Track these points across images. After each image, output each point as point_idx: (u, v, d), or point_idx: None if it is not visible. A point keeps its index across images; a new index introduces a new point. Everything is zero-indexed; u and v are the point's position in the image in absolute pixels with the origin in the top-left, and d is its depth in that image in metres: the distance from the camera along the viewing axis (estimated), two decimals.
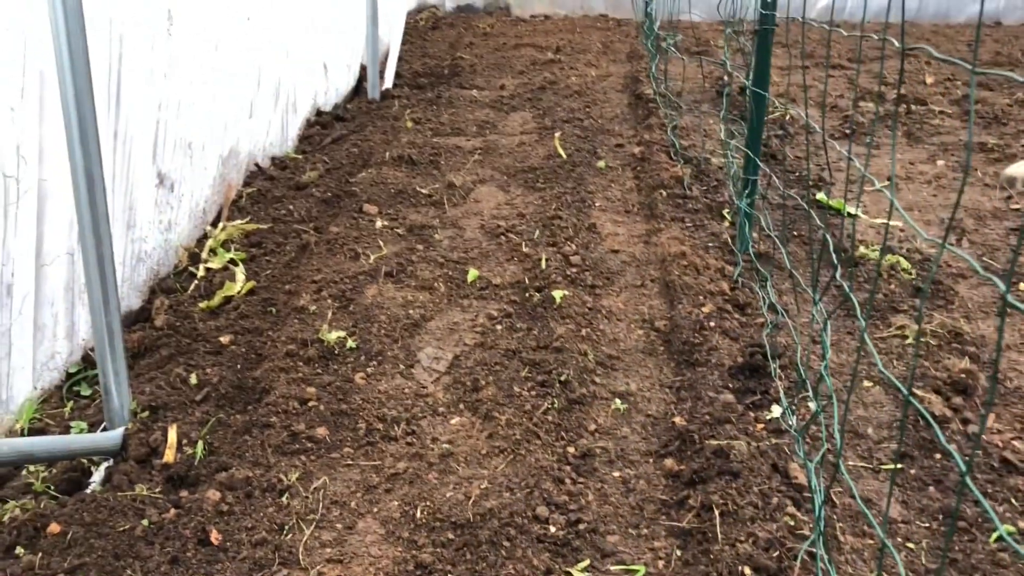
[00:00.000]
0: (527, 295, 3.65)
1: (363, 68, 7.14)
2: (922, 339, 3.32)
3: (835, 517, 2.44)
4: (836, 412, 2.16)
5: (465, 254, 4.06)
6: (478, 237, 4.26)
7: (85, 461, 2.62)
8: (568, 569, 2.26)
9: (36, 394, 2.91)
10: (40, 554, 2.20)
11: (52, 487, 2.52)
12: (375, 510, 2.48)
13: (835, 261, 2.08)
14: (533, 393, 2.99)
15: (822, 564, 2.08)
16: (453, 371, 3.15)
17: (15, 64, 2.65)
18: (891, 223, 4.39)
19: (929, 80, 7.22)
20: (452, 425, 2.86)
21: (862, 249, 4.06)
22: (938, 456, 2.71)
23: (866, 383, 3.09)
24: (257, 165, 4.91)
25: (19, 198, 2.71)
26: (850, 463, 2.68)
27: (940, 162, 5.36)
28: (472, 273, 3.82)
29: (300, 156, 5.31)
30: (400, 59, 7.73)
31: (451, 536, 2.36)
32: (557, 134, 5.73)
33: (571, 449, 2.73)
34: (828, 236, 2.27)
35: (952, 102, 6.61)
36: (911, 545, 2.36)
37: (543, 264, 3.90)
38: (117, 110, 3.25)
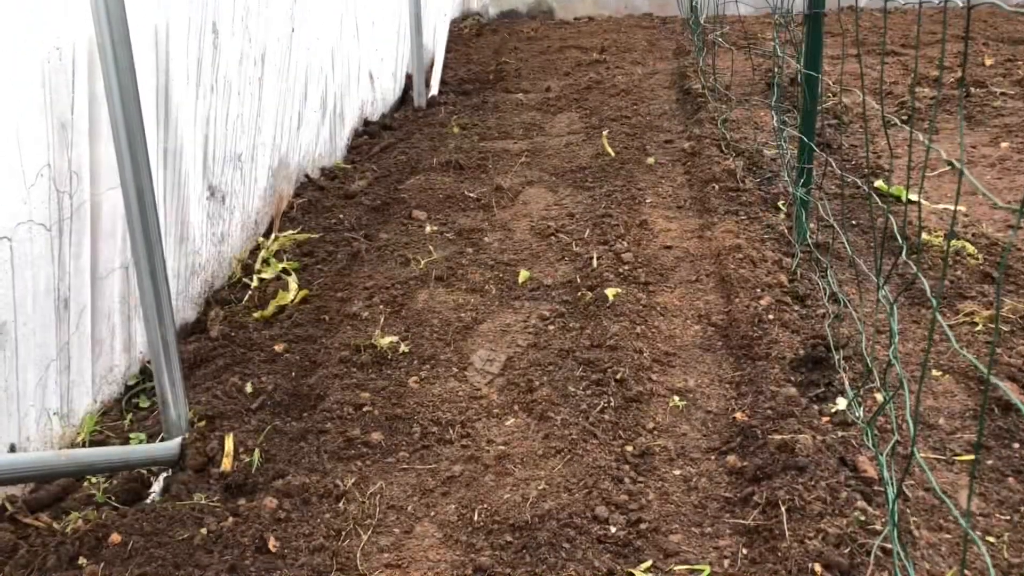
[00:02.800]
0: (579, 294, 3.60)
1: (408, 77, 7.16)
2: (992, 325, 3.19)
3: (908, 511, 2.34)
4: (908, 401, 2.07)
5: (515, 256, 4.03)
6: (528, 238, 4.22)
7: (145, 472, 2.64)
8: (630, 570, 2.20)
9: (96, 407, 2.94)
10: (102, 564, 2.21)
11: (113, 498, 2.53)
12: (432, 514, 2.45)
13: (901, 243, 2.00)
14: (588, 392, 2.94)
15: (899, 560, 1.99)
16: (507, 372, 3.12)
17: (65, 83, 2.69)
18: (954, 208, 4.25)
19: (988, 61, 6.99)
20: (507, 426, 2.82)
21: (924, 235, 3.92)
22: (1016, 446, 2.59)
23: (935, 372, 2.98)
24: (307, 176, 4.94)
25: (73, 213, 2.75)
26: (922, 455, 2.57)
27: (1004, 144, 5.18)
28: (523, 274, 3.78)
29: (349, 165, 5.33)
30: (445, 66, 7.73)
31: (509, 538, 2.32)
32: (605, 132, 5.67)
33: (629, 448, 2.67)
34: (892, 218, 2.18)
35: (1014, 83, 6.38)
36: (991, 539, 2.25)
37: (594, 263, 3.84)
38: (166, 126, 3.29)
